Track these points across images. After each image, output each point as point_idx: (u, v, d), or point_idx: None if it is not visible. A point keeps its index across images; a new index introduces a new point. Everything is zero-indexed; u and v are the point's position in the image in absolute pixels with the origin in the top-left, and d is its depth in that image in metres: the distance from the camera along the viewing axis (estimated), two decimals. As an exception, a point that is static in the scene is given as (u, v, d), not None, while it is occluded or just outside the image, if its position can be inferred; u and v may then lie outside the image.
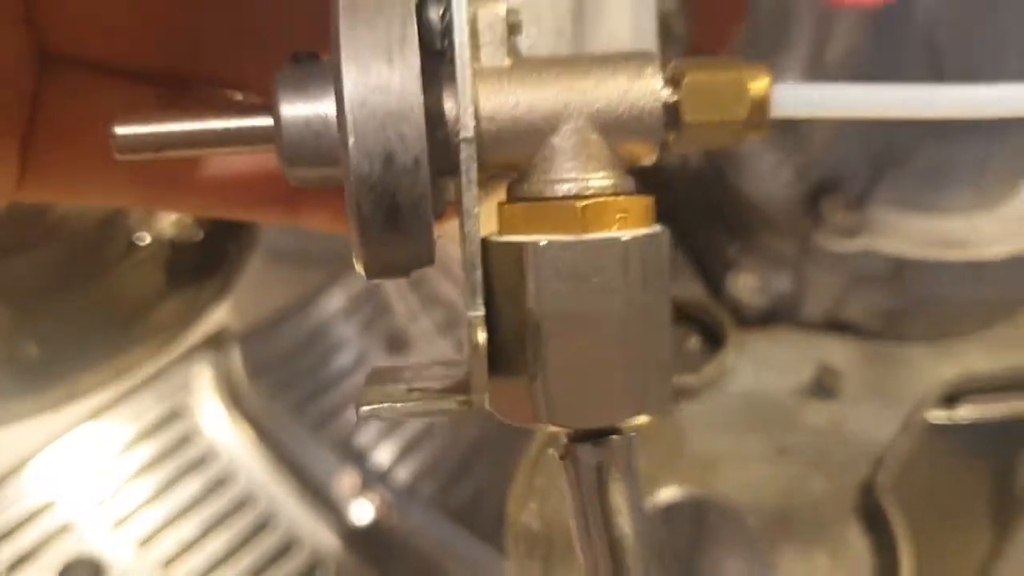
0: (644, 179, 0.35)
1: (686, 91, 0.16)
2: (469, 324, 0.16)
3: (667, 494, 0.29)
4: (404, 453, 0.55)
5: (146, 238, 0.32)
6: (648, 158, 0.17)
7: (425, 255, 0.17)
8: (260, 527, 0.58)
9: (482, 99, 0.16)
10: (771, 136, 0.33)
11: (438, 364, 0.19)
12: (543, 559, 0.27)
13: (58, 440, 0.59)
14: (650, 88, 0.16)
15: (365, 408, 0.16)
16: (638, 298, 0.16)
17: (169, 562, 0.56)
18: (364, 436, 0.58)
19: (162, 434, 0.62)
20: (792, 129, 0.34)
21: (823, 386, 0.32)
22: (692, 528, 0.31)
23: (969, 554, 0.35)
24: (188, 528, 0.58)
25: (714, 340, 0.33)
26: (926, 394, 0.32)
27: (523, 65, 0.17)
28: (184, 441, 0.62)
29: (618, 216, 0.16)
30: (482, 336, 0.16)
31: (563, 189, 0.16)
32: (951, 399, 0.33)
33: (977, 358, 0.34)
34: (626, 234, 0.16)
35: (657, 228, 0.17)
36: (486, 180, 0.17)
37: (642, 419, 0.20)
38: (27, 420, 0.61)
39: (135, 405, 0.63)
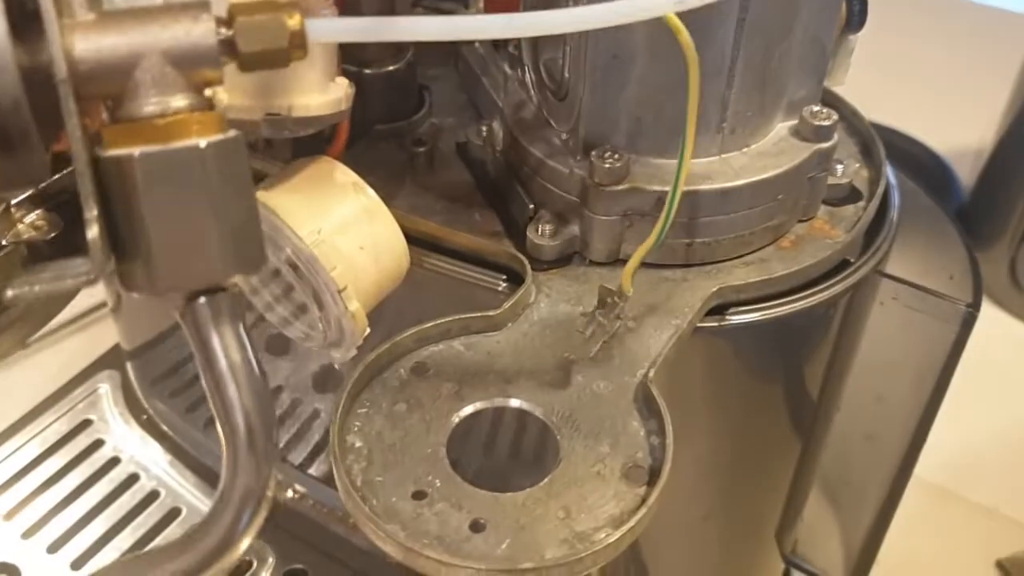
0: (466, 160, 0.42)
1: (237, 29, 0.23)
2: (86, 222, 0.23)
3: (476, 406, 0.34)
4: (295, 439, 0.59)
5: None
6: (216, 81, 0.24)
7: (40, 173, 0.23)
8: (166, 521, 0.62)
9: (75, 46, 0.23)
10: (552, 109, 0.40)
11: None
12: (363, 470, 0.32)
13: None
14: (206, 29, 0.23)
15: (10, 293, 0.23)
16: (219, 187, 0.23)
17: (76, 565, 0.59)
18: None
19: (69, 446, 0.65)
20: (567, 103, 0.39)
21: (607, 307, 0.38)
22: (498, 432, 0.36)
23: (722, 430, 0.41)
24: (96, 529, 0.62)
25: (519, 282, 0.39)
26: (692, 306, 0.38)
27: (106, 17, 0.24)
28: (90, 450, 0.65)
29: (195, 127, 0.22)
30: (95, 230, 0.23)
31: (149, 111, 0.23)
32: (720, 310, 0.39)
33: (738, 275, 0.40)
34: (203, 140, 0.24)
35: (231, 133, 0.24)
36: (93, 108, 0.24)
37: (238, 277, 0.27)
38: None
39: (41, 422, 0.66)
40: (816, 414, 0.48)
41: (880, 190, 0.44)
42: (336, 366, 0.53)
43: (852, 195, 0.44)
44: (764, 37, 0.36)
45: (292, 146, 0.41)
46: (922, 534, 0.66)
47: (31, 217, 0.39)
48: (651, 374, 0.35)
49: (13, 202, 0.39)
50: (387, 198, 0.37)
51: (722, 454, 0.46)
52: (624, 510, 0.31)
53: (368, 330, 0.36)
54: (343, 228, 0.36)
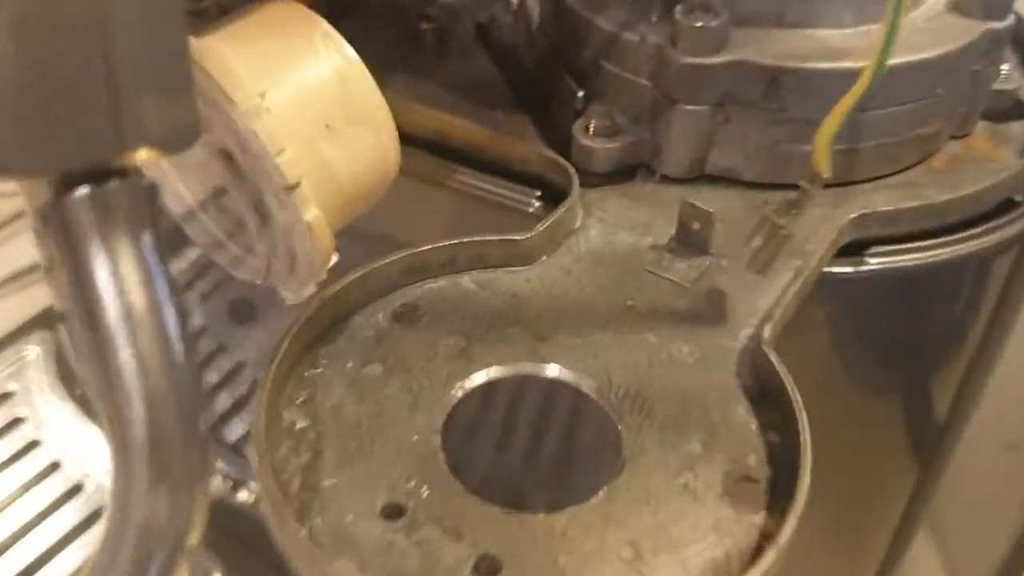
0: (489, 45, 0.27)
1: None
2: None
3: (491, 373, 0.22)
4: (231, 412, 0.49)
5: None
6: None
7: None
8: (92, 517, 0.51)
9: None
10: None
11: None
12: (304, 467, 0.20)
13: None
14: None
15: None
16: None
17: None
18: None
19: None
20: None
21: (691, 237, 0.25)
22: (522, 416, 0.24)
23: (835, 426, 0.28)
24: (10, 521, 0.51)
25: (559, 200, 0.27)
26: (823, 240, 0.25)
27: None
28: (8, 428, 0.56)
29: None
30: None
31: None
32: (856, 248, 0.27)
33: (882, 199, 0.27)
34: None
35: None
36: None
37: (145, 153, 0.16)
38: None
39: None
40: (951, 418, 0.35)
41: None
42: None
43: (1018, 109, 0.32)
44: None
45: None
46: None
47: None
48: (766, 334, 0.22)
49: None
50: (383, 82, 0.25)
51: (827, 462, 0.33)
52: (732, 551, 0.19)
53: (336, 257, 0.24)
54: (300, 95, 0.23)
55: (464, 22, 0.34)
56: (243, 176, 0.24)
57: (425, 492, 0.19)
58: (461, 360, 0.22)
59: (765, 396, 0.22)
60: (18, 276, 0.66)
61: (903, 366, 0.33)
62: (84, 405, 0.55)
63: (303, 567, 0.18)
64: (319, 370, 0.22)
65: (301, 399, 0.21)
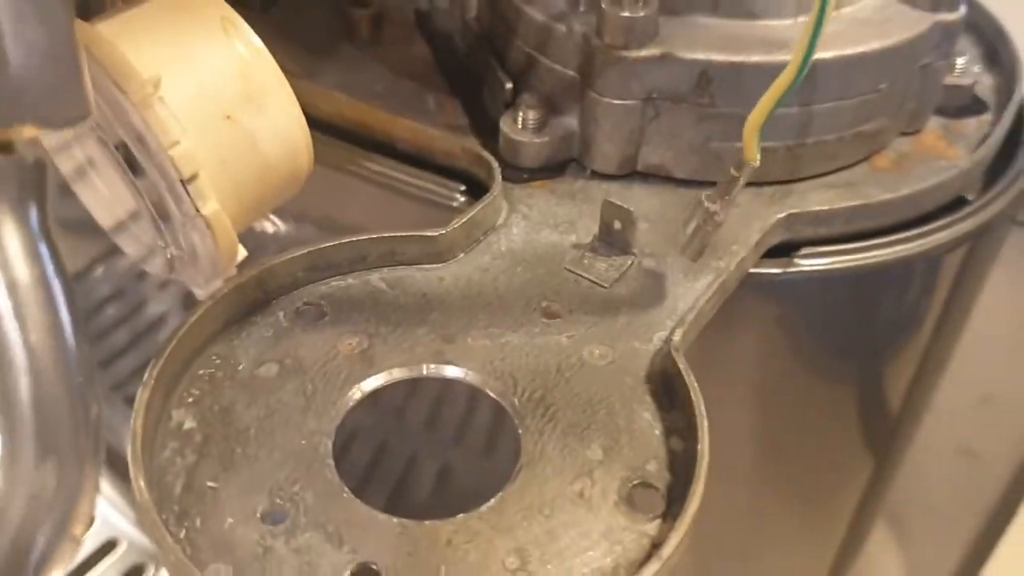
0: (426, 32, 0.26)
1: None
2: None
3: (393, 374, 0.21)
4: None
5: None
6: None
7: None
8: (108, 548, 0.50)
9: None
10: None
11: None
12: (189, 468, 0.19)
13: None
14: None
15: None
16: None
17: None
18: None
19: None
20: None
21: (613, 236, 0.24)
22: (422, 419, 0.23)
23: (773, 432, 0.28)
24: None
25: (482, 192, 0.26)
26: (746, 241, 0.25)
27: None
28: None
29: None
30: None
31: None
32: (788, 249, 0.26)
33: (814, 199, 0.26)
34: None
35: None
36: None
37: (30, 129, 0.16)
38: None
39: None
40: (901, 415, 0.34)
41: (1015, 101, 0.30)
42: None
43: (974, 105, 0.31)
44: None
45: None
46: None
47: None
48: (676, 339, 0.22)
49: None
50: (312, 71, 0.25)
51: (770, 466, 0.33)
52: (620, 560, 0.18)
53: (243, 253, 0.23)
54: (197, 84, 0.23)
55: (404, 10, 0.33)
56: (141, 170, 0.23)
57: (308, 497, 0.19)
58: (361, 362, 0.21)
59: (672, 401, 0.21)
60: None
61: (852, 364, 0.32)
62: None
63: (175, 574, 0.17)
64: (211, 370, 0.21)
65: (191, 399, 0.20)
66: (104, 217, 0.25)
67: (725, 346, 0.26)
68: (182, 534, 0.18)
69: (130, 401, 0.22)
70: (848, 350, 0.31)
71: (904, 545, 0.42)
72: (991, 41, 0.34)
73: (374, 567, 0.18)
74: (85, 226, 0.29)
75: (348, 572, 0.18)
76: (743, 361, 0.28)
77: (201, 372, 0.21)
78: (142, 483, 0.18)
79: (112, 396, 0.49)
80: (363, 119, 0.28)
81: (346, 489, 0.19)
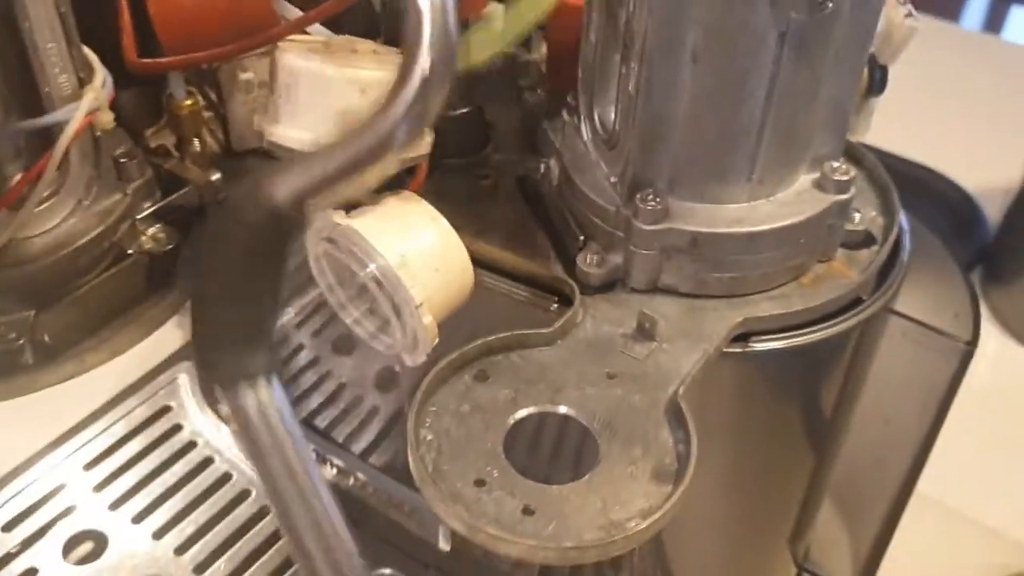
0: (525, 193, 0.48)
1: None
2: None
3: (529, 410, 0.40)
4: (357, 431, 0.65)
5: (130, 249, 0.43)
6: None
7: None
8: (238, 500, 0.68)
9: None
10: (602, 155, 0.46)
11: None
12: (433, 460, 0.38)
13: (64, 435, 0.69)
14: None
15: None
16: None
17: (158, 534, 0.66)
18: (323, 420, 0.68)
19: (150, 429, 0.72)
20: (616, 151, 0.45)
21: (644, 331, 0.43)
22: (545, 438, 0.42)
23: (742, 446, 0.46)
24: (175, 504, 0.68)
25: (568, 304, 0.45)
26: (719, 333, 0.44)
27: None
28: (169, 433, 0.72)
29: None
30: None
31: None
32: (744, 337, 0.45)
33: (763, 307, 0.45)
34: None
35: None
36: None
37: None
38: (33, 418, 0.70)
39: (126, 406, 0.73)
40: (829, 434, 0.53)
41: (892, 236, 0.49)
42: (396, 368, 0.59)
43: (867, 240, 0.49)
44: (791, 103, 0.42)
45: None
46: (931, 552, 0.70)
47: (152, 230, 0.46)
48: (681, 390, 0.40)
49: (138, 217, 0.45)
50: (456, 224, 0.43)
51: (741, 467, 0.51)
52: (652, 505, 0.37)
53: (437, 340, 0.43)
54: (421, 253, 0.42)
55: (509, 177, 0.52)
56: (388, 295, 0.42)
57: (495, 473, 0.38)
58: (512, 404, 0.40)
59: (679, 425, 0.40)
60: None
61: (795, 407, 0.51)
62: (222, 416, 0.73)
63: (439, 510, 0.36)
64: (435, 408, 0.40)
65: (428, 424, 0.39)
66: (359, 331, 0.44)
67: (709, 399, 0.45)
68: (438, 492, 0.37)
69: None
70: (791, 397, 0.50)
71: (844, 523, 0.61)
72: (884, 192, 0.53)
73: (532, 507, 0.37)
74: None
75: (520, 508, 0.37)
76: (720, 407, 0.47)
77: (431, 409, 0.40)
78: (421, 467, 0.37)
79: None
80: (492, 255, 0.47)
81: (513, 470, 0.38)
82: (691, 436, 0.38)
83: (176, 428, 0.73)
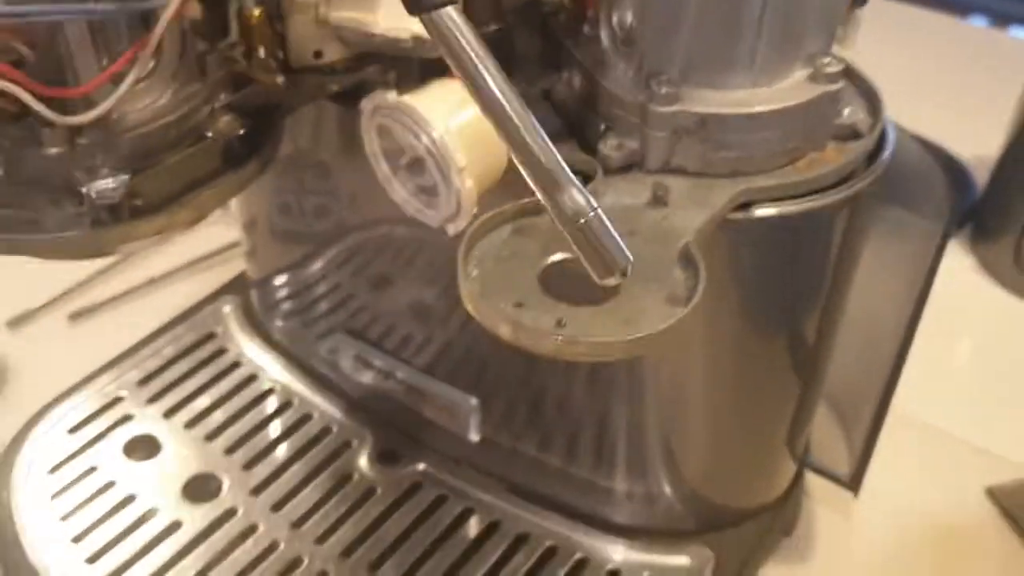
0: (551, 101, 0.55)
1: None
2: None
3: (559, 255, 0.46)
4: (397, 337, 0.71)
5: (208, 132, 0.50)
6: None
7: None
8: (279, 410, 0.74)
9: None
10: (621, 53, 0.52)
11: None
12: (479, 289, 0.44)
13: (120, 353, 0.75)
14: None
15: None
16: None
17: (209, 437, 0.72)
18: (363, 331, 0.73)
19: (198, 351, 0.78)
20: (633, 48, 0.52)
21: (658, 198, 0.49)
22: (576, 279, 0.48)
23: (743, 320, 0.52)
24: (222, 414, 0.74)
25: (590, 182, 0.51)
26: (723, 200, 0.50)
27: None
28: (216, 355, 0.78)
29: None
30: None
31: None
32: (746, 207, 0.51)
33: (761, 181, 0.51)
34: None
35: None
36: None
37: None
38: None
39: (177, 332, 0.79)
40: (824, 317, 0.59)
41: (877, 131, 0.55)
42: (431, 293, 0.65)
43: (856, 134, 0.56)
44: (786, 2, 0.48)
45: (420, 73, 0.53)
46: (915, 466, 0.76)
47: (226, 118, 0.52)
48: (692, 239, 0.46)
49: (217, 106, 0.51)
50: None
51: (742, 343, 0.57)
52: (667, 319, 0.43)
53: (475, 208, 0.49)
54: (466, 125, 0.48)
55: (535, 88, 0.59)
56: (437, 162, 0.48)
57: (532, 298, 0.43)
58: (545, 250, 0.46)
59: (689, 265, 0.46)
60: (212, 255, 0.91)
61: (788, 284, 0.57)
62: (266, 339, 0.79)
63: (486, 318, 0.42)
64: (480, 252, 0.46)
65: (475, 262, 0.45)
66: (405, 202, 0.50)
67: (714, 266, 0.51)
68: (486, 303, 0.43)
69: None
70: (787, 270, 0.56)
71: (838, 419, 0.67)
72: (872, 100, 0.59)
73: (564, 321, 0.42)
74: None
75: (554, 321, 0.42)
76: (724, 275, 0.53)
77: (475, 253, 0.46)
78: (471, 289, 0.43)
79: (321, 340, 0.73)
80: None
81: (548, 296, 0.44)
82: (700, 271, 0.44)
83: (221, 351, 0.79)
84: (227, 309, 0.81)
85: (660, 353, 0.55)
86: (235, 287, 0.82)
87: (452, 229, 0.50)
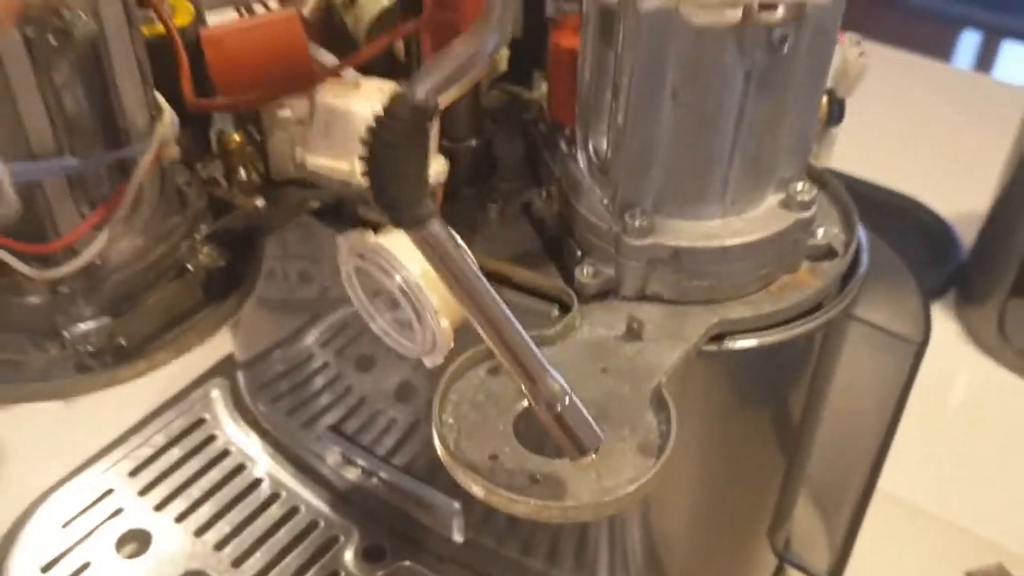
0: (529, 217, 0.56)
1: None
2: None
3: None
4: (380, 436, 0.71)
5: (189, 265, 0.50)
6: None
7: None
8: (268, 502, 0.75)
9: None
10: (596, 180, 0.53)
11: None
12: (454, 439, 0.45)
13: (111, 442, 0.76)
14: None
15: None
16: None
17: (199, 532, 0.73)
18: (348, 427, 0.74)
19: (188, 439, 0.79)
20: (609, 177, 0.52)
21: (633, 332, 0.50)
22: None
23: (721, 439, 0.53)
24: (212, 506, 0.75)
25: (567, 311, 0.52)
26: (698, 333, 0.50)
27: None
28: (205, 443, 0.79)
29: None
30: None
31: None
32: (720, 338, 0.52)
33: (736, 311, 0.52)
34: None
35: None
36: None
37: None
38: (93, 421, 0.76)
39: (165, 419, 0.80)
40: (800, 429, 0.59)
41: (852, 250, 0.56)
42: (413, 383, 0.66)
43: (830, 253, 0.56)
44: (757, 133, 0.49)
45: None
46: (896, 549, 0.77)
47: (207, 248, 0.53)
48: (664, 381, 0.47)
49: (198, 238, 0.52)
50: (468, 243, 0.50)
51: (720, 459, 0.58)
52: (639, 474, 0.43)
53: (452, 344, 0.49)
54: None
55: (515, 203, 0.59)
56: (411, 302, 0.49)
57: (507, 450, 0.44)
58: (519, 394, 0.47)
59: (661, 409, 0.46)
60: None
61: (767, 406, 0.57)
62: (255, 426, 0.80)
63: (459, 477, 0.43)
64: (455, 397, 0.47)
65: (449, 409, 0.46)
66: (383, 336, 0.51)
67: (689, 394, 0.52)
68: (460, 462, 0.44)
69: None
70: (763, 394, 0.56)
71: (819, 514, 0.67)
72: (846, 212, 0.60)
73: (538, 476, 0.43)
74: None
75: (528, 478, 0.43)
76: (699, 402, 0.54)
77: (451, 398, 0.47)
78: (445, 442, 0.43)
79: (309, 428, 0.74)
80: (501, 269, 0.54)
81: (522, 447, 0.44)
82: (671, 417, 0.45)
83: (211, 438, 0.80)
84: (215, 394, 0.81)
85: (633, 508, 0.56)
86: (223, 369, 0.82)
87: (429, 363, 0.51)
